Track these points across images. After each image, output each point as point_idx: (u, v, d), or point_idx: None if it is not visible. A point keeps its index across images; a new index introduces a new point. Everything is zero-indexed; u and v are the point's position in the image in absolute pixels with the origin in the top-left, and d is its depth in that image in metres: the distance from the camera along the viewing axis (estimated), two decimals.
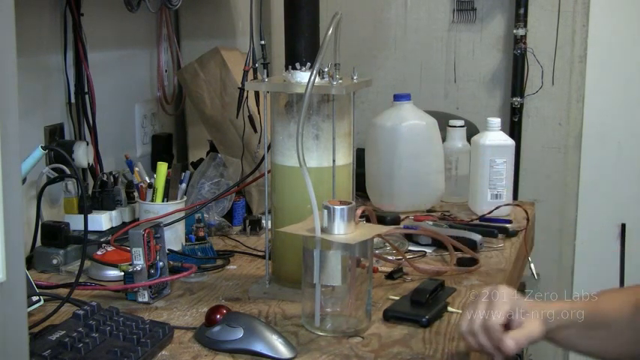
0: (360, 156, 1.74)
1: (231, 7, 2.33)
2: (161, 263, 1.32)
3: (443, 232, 1.61)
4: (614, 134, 2.47)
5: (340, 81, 1.27)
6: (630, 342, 1.11)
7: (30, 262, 1.48)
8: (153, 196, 1.52)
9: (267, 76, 1.37)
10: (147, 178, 1.55)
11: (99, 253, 1.44)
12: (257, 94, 1.61)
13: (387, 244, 1.56)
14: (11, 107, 0.70)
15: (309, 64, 1.31)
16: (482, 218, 1.81)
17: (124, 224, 1.62)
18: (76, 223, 1.53)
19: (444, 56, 2.59)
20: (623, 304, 1.12)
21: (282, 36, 1.37)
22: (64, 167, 1.55)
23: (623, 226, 2.49)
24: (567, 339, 1.12)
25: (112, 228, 1.60)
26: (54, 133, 1.64)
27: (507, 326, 1.08)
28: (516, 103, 2.50)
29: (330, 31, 1.18)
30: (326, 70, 1.27)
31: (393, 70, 2.64)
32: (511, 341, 1.06)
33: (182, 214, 1.53)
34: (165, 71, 2.07)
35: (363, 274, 1.20)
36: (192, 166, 1.99)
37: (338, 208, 1.14)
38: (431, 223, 1.72)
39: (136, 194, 1.59)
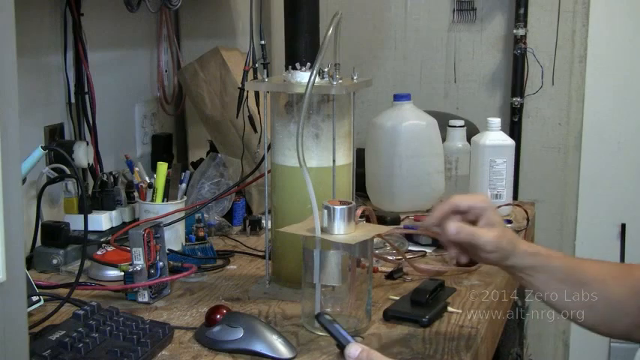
0: (360, 156, 1.74)
1: (231, 7, 2.33)
2: (161, 263, 1.32)
3: None
4: (614, 134, 2.47)
5: (340, 81, 1.27)
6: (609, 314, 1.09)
7: (30, 262, 1.48)
8: (153, 196, 1.52)
9: (267, 76, 1.37)
10: (147, 178, 1.55)
11: (99, 253, 1.44)
12: (257, 94, 1.61)
13: (387, 244, 1.56)
14: (11, 107, 0.70)
15: (309, 64, 1.31)
16: None
17: (124, 224, 1.62)
18: (76, 223, 1.53)
19: (444, 56, 2.59)
20: (609, 273, 1.10)
21: (282, 36, 1.37)
22: (64, 167, 1.55)
23: (623, 226, 2.49)
24: (538, 284, 1.10)
25: (112, 228, 1.60)
26: (54, 133, 1.64)
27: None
28: (516, 103, 2.50)
29: (330, 31, 1.18)
30: (326, 70, 1.27)
31: (393, 70, 2.64)
32: (453, 226, 1.04)
33: (182, 214, 1.53)
34: (166, 71, 2.07)
35: (363, 274, 1.20)
36: (192, 166, 1.99)
37: (338, 208, 1.14)
38: None
39: (136, 194, 1.59)
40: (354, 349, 0.92)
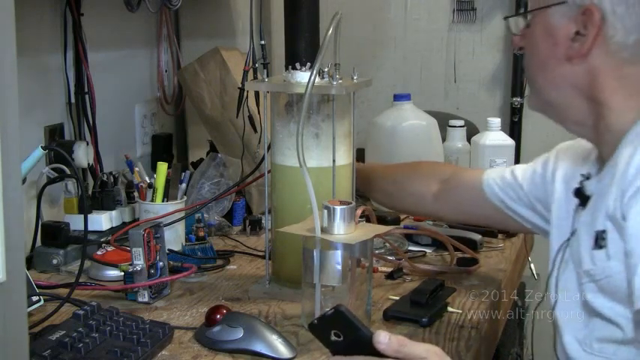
0: (360, 156, 1.74)
1: (231, 7, 2.33)
2: (161, 263, 1.32)
3: (443, 232, 1.61)
4: None
5: (340, 81, 1.27)
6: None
7: (30, 262, 1.48)
8: (153, 196, 1.52)
9: (267, 76, 1.37)
10: (147, 178, 1.55)
11: (99, 253, 1.44)
12: (257, 94, 1.60)
13: (387, 244, 1.56)
14: (11, 107, 0.70)
15: (309, 64, 1.31)
16: None
17: (124, 224, 1.62)
18: (76, 223, 1.53)
19: (444, 56, 2.58)
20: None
21: (282, 36, 1.37)
22: (64, 167, 1.55)
23: None
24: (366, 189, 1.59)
25: (112, 228, 1.60)
26: (54, 133, 1.64)
27: None
28: (516, 103, 2.50)
29: (330, 31, 1.18)
30: (326, 70, 1.27)
31: (393, 70, 2.63)
32: None
33: (182, 214, 1.53)
34: (166, 71, 2.07)
35: (363, 274, 1.20)
36: (192, 166, 1.99)
37: (338, 208, 1.14)
38: (431, 223, 1.72)
39: (136, 194, 1.59)
40: (382, 336, 0.90)
